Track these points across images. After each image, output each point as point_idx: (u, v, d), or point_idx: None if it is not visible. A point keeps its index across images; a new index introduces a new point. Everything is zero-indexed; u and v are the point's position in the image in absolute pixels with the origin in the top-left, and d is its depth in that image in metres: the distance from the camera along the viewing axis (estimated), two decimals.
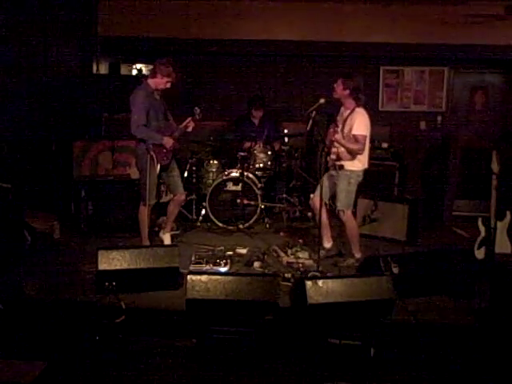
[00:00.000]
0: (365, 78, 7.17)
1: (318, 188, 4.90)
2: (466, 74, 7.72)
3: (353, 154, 4.80)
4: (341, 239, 5.30)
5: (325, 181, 4.94)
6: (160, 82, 4.94)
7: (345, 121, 4.86)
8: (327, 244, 5.19)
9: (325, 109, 4.95)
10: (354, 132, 4.75)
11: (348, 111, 4.86)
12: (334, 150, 4.86)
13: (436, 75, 7.63)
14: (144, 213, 5.09)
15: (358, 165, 4.85)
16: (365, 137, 4.77)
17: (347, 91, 4.79)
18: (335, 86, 4.84)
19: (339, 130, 4.81)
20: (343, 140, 4.77)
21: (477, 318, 3.86)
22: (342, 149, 4.81)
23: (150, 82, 4.98)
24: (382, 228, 5.85)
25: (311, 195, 5.12)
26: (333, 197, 5.10)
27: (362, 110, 4.82)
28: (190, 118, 5.12)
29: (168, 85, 4.97)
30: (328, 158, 4.91)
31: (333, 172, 4.96)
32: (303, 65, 7.58)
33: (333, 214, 5.21)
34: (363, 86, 4.87)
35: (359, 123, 4.75)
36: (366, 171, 4.94)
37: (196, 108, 5.14)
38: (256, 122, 6.95)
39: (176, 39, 7.24)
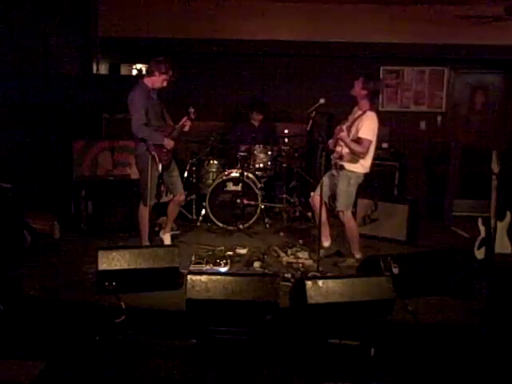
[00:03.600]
0: None
1: (319, 187, 4.92)
2: (465, 74, 7.72)
3: (355, 156, 4.80)
4: (341, 239, 5.30)
5: (325, 180, 4.96)
6: (157, 80, 4.94)
7: (354, 121, 4.87)
8: (326, 243, 5.19)
9: (325, 109, 4.97)
10: (360, 135, 4.75)
11: (360, 112, 4.87)
12: (338, 148, 4.88)
13: (436, 75, 7.63)
14: (144, 213, 5.09)
15: (360, 168, 4.85)
16: (369, 141, 4.77)
17: (365, 91, 4.80)
18: (355, 82, 4.86)
19: (344, 127, 4.81)
20: (347, 139, 4.77)
21: (477, 317, 3.86)
22: (346, 149, 4.82)
23: (147, 81, 4.98)
24: (382, 228, 5.86)
25: (312, 193, 5.12)
26: (333, 197, 5.10)
27: (374, 114, 4.83)
28: (185, 118, 5.13)
29: (165, 83, 4.97)
30: (332, 156, 4.94)
31: (334, 171, 4.98)
32: (303, 65, 7.57)
33: (332, 213, 5.21)
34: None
35: (367, 127, 4.76)
36: (366, 174, 4.95)
37: (190, 108, 5.15)
38: (255, 123, 6.95)
39: (176, 39, 7.24)
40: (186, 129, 5.17)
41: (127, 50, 7.54)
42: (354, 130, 4.83)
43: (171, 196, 5.46)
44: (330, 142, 4.97)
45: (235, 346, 3.48)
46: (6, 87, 5.63)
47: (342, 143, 4.83)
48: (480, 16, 6.92)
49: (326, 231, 5.19)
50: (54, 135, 6.40)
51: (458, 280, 4.31)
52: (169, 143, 4.98)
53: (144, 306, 3.94)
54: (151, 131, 4.93)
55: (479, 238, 5.02)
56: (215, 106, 7.46)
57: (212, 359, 3.44)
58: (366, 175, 4.93)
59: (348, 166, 4.85)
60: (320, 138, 4.92)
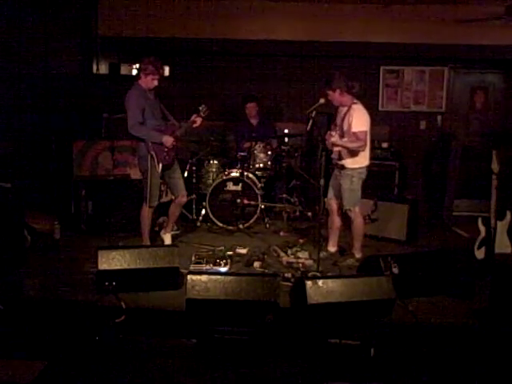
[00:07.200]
0: (365, 78, 7.21)
1: (330, 190, 5.04)
2: (466, 74, 7.72)
3: (355, 152, 4.81)
4: (343, 237, 5.31)
5: (331, 181, 5.05)
6: (147, 81, 4.95)
7: (343, 119, 4.88)
8: (332, 248, 5.22)
9: (325, 109, 4.97)
10: (354, 130, 4.76)
11: (345, 109, 4.88)
12: (336, 149, 4.89)
13: (436, 75, 7.63)
14: (146, 214, 5.09)
15: (361, 161, 4.86)
16: (365, 132, 4.78)
17: (338, 91, 4.81)
18: (329, 98, 4.88)
19: (333, 133, 4.81)
20: (340, 141, 4.79)
21: (477, 318, 3.86)
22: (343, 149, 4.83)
23: (141, 82, 4.99)
24: (382, 228, 5.85)
25: (325, 199, 5.11)
26: (339, 196, 5.10)
27: (359, 105, 4.84)
28: (194, 115, 5.14)
29: (155, 82, 4.97)
30: (331, 156, 4.95)
31: (336, 172, 5.01)
32: (303, 65, 7.58)
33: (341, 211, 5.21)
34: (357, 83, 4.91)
35: (358, 120, 4.77)
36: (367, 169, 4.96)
37: (203, 105, 5.16)
38: (254, 122, 6.96)
39: (176, 39, 7.24)
40: (197, 124, 5.17)
41: (127, 49, 7.54)
42: (345, 126, 4.84)
43: (172, 196, 5.46)
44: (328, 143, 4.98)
45: (235, 346, 3.48)
46: (7, 87, 5.63)
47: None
48: (480, 16, 6.92)
49: (334, 237, 5.23)
50: (54, 135, 6.40)
51: (457, 280, 4.31)
52: (167, 140, 4.97)
53: (144, 306, 3.94)
54: (148, 130, 4.93)
55: (479, 238, 5.02)
56: (215, 106, 7.46)
57: (212, 359, 3.44)
58: (368, 168, 4.94)
59: (348, 164, 4.86)
60: (320, 137, 4.92)
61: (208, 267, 4.63)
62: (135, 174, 5.75)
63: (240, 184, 6.15)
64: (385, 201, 5.93)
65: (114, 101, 6.12)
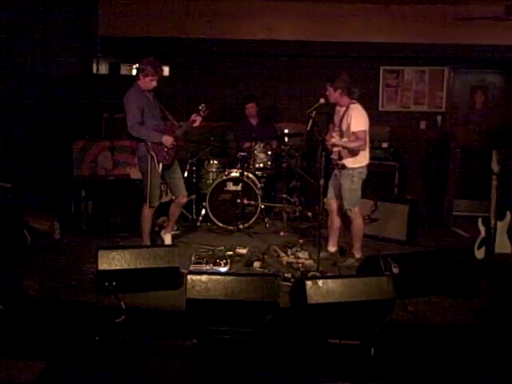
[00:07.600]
0: (365, 78, 7.20)
1: (330, 190, 5.04)
2: (465, 74, 7.73)
3: (355, 152, 4.81)
4: (343, 237, 5.31)
5: (331, 181, 5.05)
6: (145, 82, 4.95)
7: (341, 119, 4.89)
8: (332, 248, 5.22)
9: (325, 109, 4.97)
10: (353, 129, 4.77)
11: (343, 109, 4.89)
12: (335, 149, 4.90)
13: (436, 75, 7.63)
14: (147, 214, 5.09)
15: (361, 160, 4.86)
16: (364, 131, 4.79)
17: (338, 91, 4.82)
18: (327, 93, 4.88)
19: (334, 134, 4.82)
20: (340, 142, 4.81)
21: (477, 317, 3.86)
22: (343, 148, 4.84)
23: (139, 82, 4.99)
24: (382, 228, 5.85)
25: (325, 199, 5.11)
26: (339, 196, 5.10)
27: (357, 105, 4.85)
28: (194, 114, 5.14)
29: (154, 83, 4.97)
30: (331, 157, 4.96)
31: (336, 171, 5.01)
32: (303, 65, 7.58)
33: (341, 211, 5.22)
34: (358, 84, 4.93)
35: (356, 119, 4.78)
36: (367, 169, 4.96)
37: (202, 105, 5.16)
38: (254, 122, 6.96)
39: (176, 39, 7.25)
40: (197, 124, 5.17)
41: (127, 49, 7.54)
42: (344, 126, 4.85)
43: (172, 196, 5.46)
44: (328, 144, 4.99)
45: (235, 346, 3.48)
46: (7, 87, 5.63)
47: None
48: (480, 16, 6.92)
49: (334, 237, 5.23)
50: (54, 135, 6.40)
51: (457, 280, 4.31)
52: (167, 140, 4.96)
53: (144, 306, 3.94)
54: (146, 130, 4.93)
55: (479, 238, 5.02)
56: (215, 106, 7.46)
57: (212, 359, 3.44)
58: (368, 168, 4.94)
59: (349, 163, 4.86)
60: (320, 137, 4.93)
61: (208, 267, 4.63)
62: (135, 174, 5.75)
63: (240, 184, 6.15)
64: (385, 201, 5.93)
65: (114, 101, 6.10)
